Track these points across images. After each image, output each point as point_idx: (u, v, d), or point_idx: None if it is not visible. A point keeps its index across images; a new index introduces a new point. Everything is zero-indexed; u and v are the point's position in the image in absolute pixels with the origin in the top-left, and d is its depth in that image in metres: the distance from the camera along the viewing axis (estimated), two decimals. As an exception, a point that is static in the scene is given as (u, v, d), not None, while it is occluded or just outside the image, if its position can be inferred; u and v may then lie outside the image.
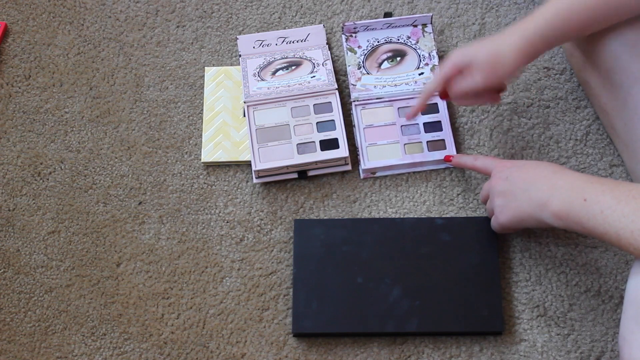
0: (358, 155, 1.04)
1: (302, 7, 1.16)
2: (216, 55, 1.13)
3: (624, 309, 0.75)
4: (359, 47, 1.10)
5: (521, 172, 0.87)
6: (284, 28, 1.14)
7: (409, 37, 1.10)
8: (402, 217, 1.01)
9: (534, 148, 1.04)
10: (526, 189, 0.85)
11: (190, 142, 1.07)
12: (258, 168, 1.02)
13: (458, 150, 1.04)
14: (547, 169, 0.85)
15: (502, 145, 1.05)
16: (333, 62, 1.11)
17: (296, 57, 1.10)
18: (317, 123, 1.05)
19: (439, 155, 1.03)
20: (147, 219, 1.03)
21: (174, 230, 1.02)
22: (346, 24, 1.10)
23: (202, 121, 1.08)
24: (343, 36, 1.11)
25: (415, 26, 1.11)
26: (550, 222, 0.81)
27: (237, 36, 1.12)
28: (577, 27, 0.89)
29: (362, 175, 1.04)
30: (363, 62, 1.09)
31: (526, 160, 0.91)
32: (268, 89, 1.07)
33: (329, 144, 1.04)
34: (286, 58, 1.10)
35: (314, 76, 1.08)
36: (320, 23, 1.14)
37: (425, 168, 1.04)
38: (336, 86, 1.07)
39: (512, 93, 1.08)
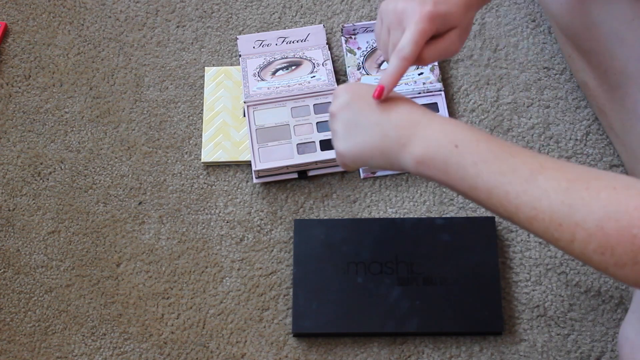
0: (358, 155, 1.04)
1: (302, 7, 1.16)
2: (216, 55, 1.13)
3: (631, 309, 0.75)
4: (359, 48, 1.10)
5: (370, 103, 0.75)
6: (284, 28, 1.14)
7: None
8: (402, 217, 1.02)
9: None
10: (379, 122, 0.73)
11: (190, 142, 1.07)
12: (258, 168, 1.02)
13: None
14: (407, 103, 0.74)
15: (502, 145, 1.05)
16: (333, 62, 1.11)
17: (296, 57, 1.10)
18: (317, 123, 1.05)
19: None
20: (147, 219, 1.03)
21: (174, 230, 1.02)
22: (345, 25, 1.10)
23: (202, 121, 1.08)
24: (342, 38, 1.11)
25: (415, 26, 1.11)
26: (407, 166, 0.71)
27: (237, 36, 1.12)
28: None
29: (362, 175, 1.04)
30: (362, 63, 1.09)
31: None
32: (268, 89, 1.07)
33: (329, 144, 1.04)
34: (286, 58, 1.10)
35: (314, 76, 1.08)
36: (320, 23, 1.14)
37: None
38: (336, 86, 1.07)
39: (512, 93, 1.08)
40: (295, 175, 1.04)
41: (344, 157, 0.77)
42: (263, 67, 1.10)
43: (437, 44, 0.76)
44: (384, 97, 0.74)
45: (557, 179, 0.62)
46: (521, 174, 0.64)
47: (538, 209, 0.62)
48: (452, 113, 1.07)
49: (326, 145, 1.04)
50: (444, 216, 1.01)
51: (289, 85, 1.08)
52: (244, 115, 1.07)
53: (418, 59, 0.75)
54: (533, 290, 0.97)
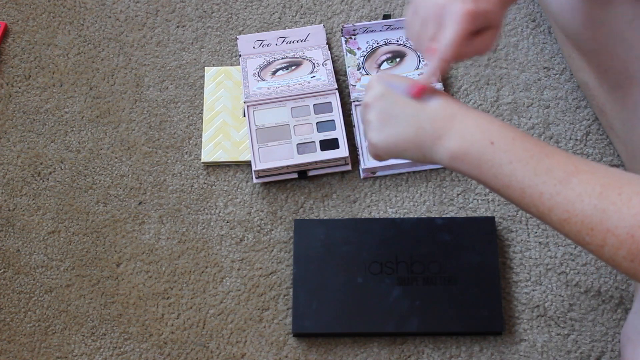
0: (358, 155, 1.04)
1: (302, 7, 1.16)
2: (216, 55, 1.13)
3: (633, 309, 0.75)
4: (359, 48, 1.10)
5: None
6: (284, 28, 1.14)
7: (408, 39, 1.10)
8: (402, 217, 1.01)
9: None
10: (415, 114, 0.73)
11: (190, 142, 1.07)
12: (258, 168, 1.02)
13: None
14: (443, 96, 0.73)
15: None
16: (333, 62, 1.11)
17: (296, 57, 1.10)
18: (317, 123, 1.05)
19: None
20: (147, 219, 1.03)
21: (174, 230, 1.02)
22: (345, 26, 1.10)
23: (202, 121, 1.08)
24: (342, 38, 1.11)
25: (415, 26, 1.11)
26: (441, 159, 0.71)
27: (237, 36, 1.12)
28: None
29: (362, 175, 1.04)
30: (362, 63, 1.09)
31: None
32: (268, 89, 1.07)
33: (329, 144, 1.04)
34: (286, 58, 1.10)
35: (314, 76, 1.08)
36: (320, 23, 1.14)
37: (425, 167, 1.04)
38: (336, 86, 1.07)
39: (512, 93, 1.08)
40: (295, 175, 1.04)
41: (377, 148, 0.77)
42: (263, 67, 1.10)
43: (474, 42, 0.74)
44: (423, 97, 0.74)
45: (591, 183, 0.62)
46: (556, 175, 0.64)
47: (571, 212, 0.62)
48: (452, 113, 1.07)
49: (326, 145, 1.04)
50: (444, 216, 1.01)
51: (289, 85, 1.08)
52: (244, 115, 1.07)
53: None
54: (533, 290, 0.97)
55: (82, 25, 1.16)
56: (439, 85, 1.07)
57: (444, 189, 1.03)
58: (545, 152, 0.65)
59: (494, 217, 0.98)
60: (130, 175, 1.06)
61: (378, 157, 0.79)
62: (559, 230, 0.64)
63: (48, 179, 1.06)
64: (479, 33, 0.74)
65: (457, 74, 1.10)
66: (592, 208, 0.61)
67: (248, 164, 1.05)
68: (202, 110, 1.09)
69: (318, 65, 1.09)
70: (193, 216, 1.03)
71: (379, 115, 0.75)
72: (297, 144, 1.04)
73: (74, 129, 1.09)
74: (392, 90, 0.75)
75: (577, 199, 0.62)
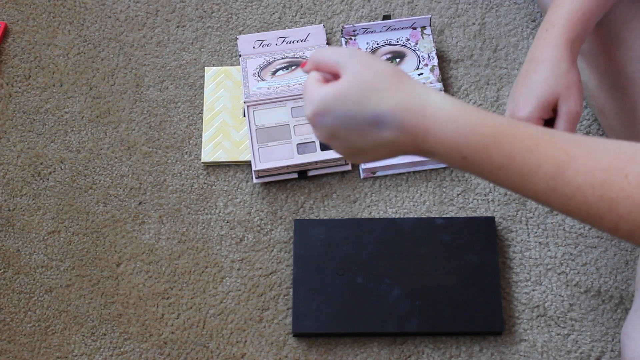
0: (358, 155, 1.04)
1: (302, 7, 1.16)
2: (216, 55, 1.13)
3: (633, 308, 0.74)
4: (359, 49, 1.10)
5: (353, 122, 0.63)
6: (284, 28, 1.14)
7: (408, 39, 1.10)
8: (402, 217, 1.02)
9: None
10: (380, 144, 0.63)
11: (190, 142, 1.07)
12: (258, 168, 1.02)
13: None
14: (390, 106, 0.62)
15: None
16: (333, 62, 1.11)
17: (296, 57, 1.10)
18: (317, 123, 1.05)
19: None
20: (147, 219, 1.03)
21: (174, 230, 1.02)
22: (345, 26, 1.10)
23: (202, 121, 1.08)
24: (342, 39, 1.11)
25: (415, 28, 1.11)
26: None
27: (237, 36, 1.12)
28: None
29: (362, 175, 1.04)
30: (363, 62, 1.09)
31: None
32: (268, 89, 1.07)
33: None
34: (286, 58, 1.10)
35: (314, 76, 1.08)
36: (320, 23, 1.14)
37: (425, 167, 1.04)
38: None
39: (512, 93, 1.08)
40: (295, 175, 1.04)
41: (353, 161, 0.69)
42: (263, 67, 1.10)
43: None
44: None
45: (590, 171, 0.56)
46: (545, 171, 0.57)
47: (573, 205, 0.57)
48: (452, 113, 1.07)
49: (326, 145, 1.04)
50: (444, 216, 1.01)
51: (289, 85, 1.08)
52: (244, 115, 1.07)
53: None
54: (533, 290, 0.97)
55: (82, 25, 1.16)
56: (438, 86, 1.07)
57: (444, 189, 1.03)
58: (527, 147, 0.58)
59: (494, 217, 0.98)
60: (130, 175, 1.06)
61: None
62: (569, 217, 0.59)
63: (48, 179, 1.06)
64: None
65: (457, 74, 1.10)
66: (597, 199, 0.56)
67: (248, 164, 1.05)
68: (202, 110, 1.09)
69: (318, 65, 1.09)
70: (193, 216, 1.03)
71: (342, 148, 0.66)
72: (297, 144, 1.04)
73: (74, 129, 1.09)
74: (338, 121, 0.64)
75: (577, 192, 0.56)
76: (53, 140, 1.08)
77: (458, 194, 1.03)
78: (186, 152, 1.07)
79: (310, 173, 1.04)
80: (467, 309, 0.93)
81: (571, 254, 0.98)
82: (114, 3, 1.17)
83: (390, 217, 1.02)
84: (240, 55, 1.11)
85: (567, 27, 0.82)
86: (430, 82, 1.07)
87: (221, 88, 1.10)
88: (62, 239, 1.02)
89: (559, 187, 0.57)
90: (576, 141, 0.58)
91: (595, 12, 0.83)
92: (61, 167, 1.06)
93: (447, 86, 1.09)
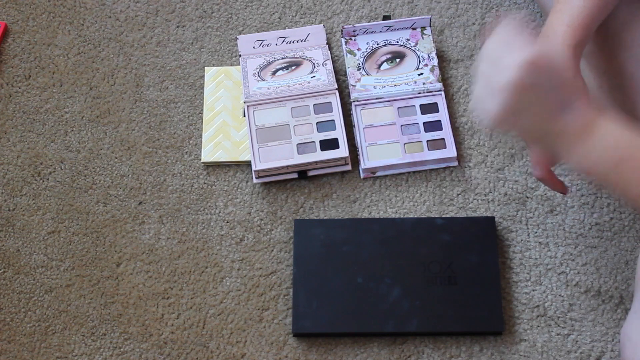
0: (358, 155, 1.04)
1: (302, 7, 1.16)
2: (216, 55, 1.13)
3: (632, 309, 0.74)
4: (358, 49, 1.10)
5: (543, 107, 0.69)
6: (284, 28, 1.14)
7: (408, 40, 1.10)
8: (402, 217, 1.02)
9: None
10: (551, 130, 0.69)
11: (190, 142, 1.07)
12: (258, 168, 1.02)
13: (458, 150, 1.04)
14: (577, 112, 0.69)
15: (502, 145, 1.05)
16: (333, 62, 1.11)
17: (296, 57, 1.10)
18: (317, 123, 1.05)
19: (439, 154, 1.03)
20: (147, 219, 1.03)
21: (174, 230, 1.02)
22: (345, 27, 1.10)
23: (202, 121, 1.08)
24: (342, 39, 1.11)
25: (414, 29, 1.11)
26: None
27: (237, 36, 1.12)
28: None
29: (362, 175, 1.04)
30: (362, 63, 1.09)
31: None
32: (268, 89, 1.07)
33: (329, 144, 1.04)
34: (286, 58, 1.10)
35: (314, 76, 1.08)
36: (320, 23, 1.14)
37: (425, 167, 1.04)
38: (336, 86, 1.07)
39: (512, 93, 1.08)
40: (295, 175, 1.04)
41: (495, 124, 0.71)
42: (263, 67, 1.10)
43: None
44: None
45: None
46: None
47: None
48: (452, 113, 1.07)
49: (326, 145, 1.04)
50: (444, 216, 1.01)
51: (289, 85, 1.08)
52: (244, 115, 1.07)
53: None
54: (533, 290, 0.97)
55: (82, 25, 1.16)
56: (438, 86, 1.07)
57: (444, 189, 1.03)
58: None
59: (494, 217, 0.98)
60: (130, 175, 1.06)
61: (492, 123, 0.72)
62: None
63: (48, 179, 1.06)
64: None
65: (457, 74, 1.10)
66: None
67: (248, 164, 1.05)
68: (202, 110, 1.09)
69: (318, 65, 1.09)
70: (193, 216, 1.03)
71: (520, 129, 0.72)
72: (297, 144, 1.04)
73: (74, 129, 1.09)
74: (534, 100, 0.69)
75: None
76: (53, 140, 1.08)
77: (458, 194, 1.03)
78: (186, 152, 1.07)
79: (310, 173, 1.04)
80: (467, 309, 0.93)
81: (571, 254, 0.98)
82: (114, 3, 1.17)
83: (390, 217, 1.02)
84: (240, 55, 1.11)
85: (569, 34, 0.82)
86: (431, 82, 1.07)
87: (221, 88, 1.10)
88: (62, 239, 1.02)
89: None
90: None
91: (596, 17, 0.83)
92: (61, 167, 1.06)
93: (447, 86, 1.09)
